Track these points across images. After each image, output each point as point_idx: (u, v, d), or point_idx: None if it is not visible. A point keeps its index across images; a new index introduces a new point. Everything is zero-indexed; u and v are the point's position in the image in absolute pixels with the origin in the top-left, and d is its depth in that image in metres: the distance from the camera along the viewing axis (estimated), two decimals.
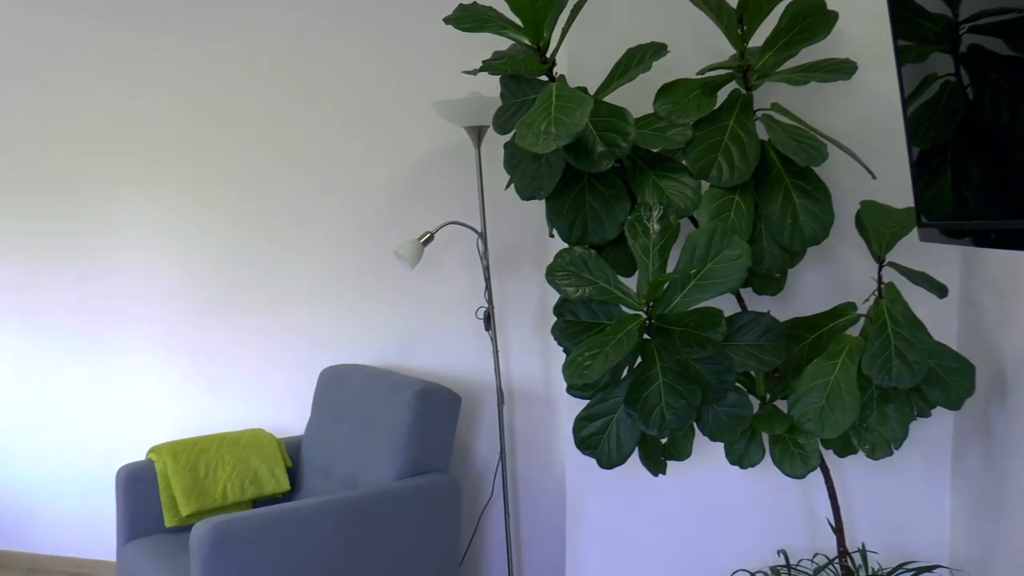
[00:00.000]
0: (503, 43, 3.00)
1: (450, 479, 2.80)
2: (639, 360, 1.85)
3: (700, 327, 1.71)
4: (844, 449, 1.94)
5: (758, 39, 1.98)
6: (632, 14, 2.28)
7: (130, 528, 2.94)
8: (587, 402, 1.95)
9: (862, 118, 2.16)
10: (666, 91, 1.97)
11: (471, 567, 3.33)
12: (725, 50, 2.20)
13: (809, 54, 2.06)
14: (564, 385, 3.09)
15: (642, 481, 2.38)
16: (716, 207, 1.89)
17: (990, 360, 1.96)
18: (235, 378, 3.54)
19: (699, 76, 1.98)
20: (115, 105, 3.59)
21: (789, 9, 1.85)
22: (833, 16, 1.83)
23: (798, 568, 2.26)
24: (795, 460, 1.91)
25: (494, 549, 3.32)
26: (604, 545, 2.42)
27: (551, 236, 2.05)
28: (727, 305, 2.20)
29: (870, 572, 2.07)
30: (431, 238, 2.91)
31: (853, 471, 2.25)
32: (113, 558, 3.76)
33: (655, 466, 2.04)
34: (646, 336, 1.84)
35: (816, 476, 2.23)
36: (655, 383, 1.79)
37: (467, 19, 1.88)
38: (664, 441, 2.03)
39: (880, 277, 1.88)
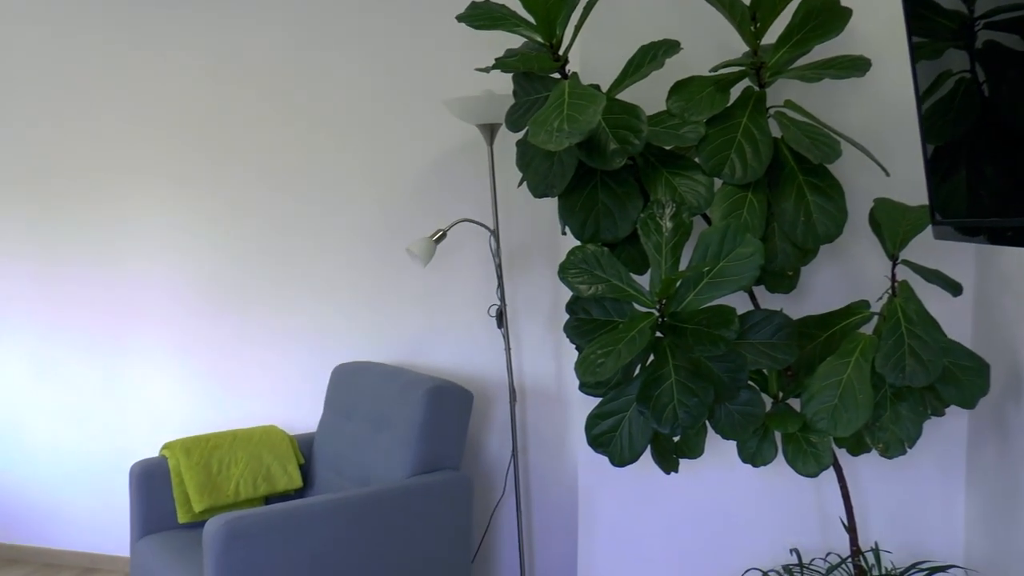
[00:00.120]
0: (516, 41, 3.00)
1: (462, 476, 2.80)
2: (651, 358, 1.85)
3: (713, 325, 1.71)
4: (857, 448, 1.93)
5: (771, 36, 1.98)
6: (645, 11, 2.27)
7: (143, 524, 2.96)
8: (599, 400, 1.95)
9: (876, 115, 2.15)
10: (679, 88, 1.96)
11: (483, 564, 3.34)
12: (738, 47, 2.19)
13: (822, 51, 2.06)
14: (576, 383, 3.09)
15: (654, 479, 2.38)
16: (729, 205, 1.88)
17: (1005, 358, 1.95)
18: (248, 375, 3.56)
19: (712, 73, 1.97)
20: (133, 106, 3.61)
21: (802, 6, 1.85)
22: (847, 12, 1.82)
23: (811, 567, 2.25)
24: (808, 459, 1.91)
25: (506, 547, 3.32)
26: (616, 543, 2.42)
27: (563, 234, 2.05)
28: (740, 303, 2.20)
29: (883, 571, 2.06)
30: (443, 236, 2.92)
31: (866, 470, 2.24)
32: (127, 554, 3.78)
33: (667, 464, 2.04)
34: (659, 334, 1.84)
35: (829, 475, 2.22)
36: (667, 381, 1.78)
37: (480, 17, 1.88)
38: (676, 439, 2.03)
39: (894, 275, 1.88)
